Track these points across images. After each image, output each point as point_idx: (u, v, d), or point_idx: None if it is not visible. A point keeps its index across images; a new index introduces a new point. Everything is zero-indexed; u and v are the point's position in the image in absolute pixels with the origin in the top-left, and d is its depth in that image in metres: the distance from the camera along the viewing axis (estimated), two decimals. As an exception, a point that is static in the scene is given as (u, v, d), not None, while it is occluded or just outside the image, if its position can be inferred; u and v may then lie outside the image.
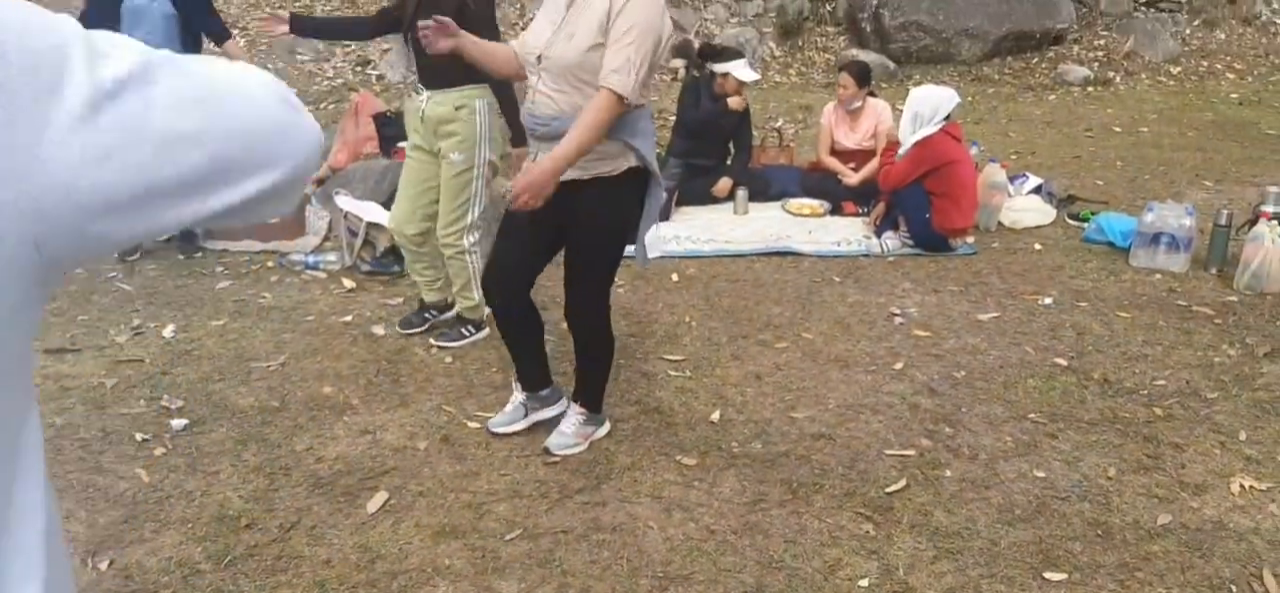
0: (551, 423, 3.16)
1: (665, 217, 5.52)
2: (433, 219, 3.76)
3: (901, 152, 5.12)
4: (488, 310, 3.81)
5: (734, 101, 5.74)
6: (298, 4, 8.85)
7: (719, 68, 5.75)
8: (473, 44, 2.82)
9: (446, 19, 2.75)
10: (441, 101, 3.58)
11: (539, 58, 2.69)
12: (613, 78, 2.54)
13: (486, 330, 3.90)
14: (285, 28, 3.79)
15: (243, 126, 0.64)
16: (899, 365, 3.69)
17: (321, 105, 7.17)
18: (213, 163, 0.63)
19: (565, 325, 3.08)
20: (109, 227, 0.60)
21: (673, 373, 3.64)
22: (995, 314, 4.20)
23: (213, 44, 4.69)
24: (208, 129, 0.62)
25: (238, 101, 0.65)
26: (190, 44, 4.52)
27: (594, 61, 2.58)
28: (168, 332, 3.99)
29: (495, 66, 2.90)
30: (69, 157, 0.57)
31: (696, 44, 8.53)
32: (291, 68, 7.78)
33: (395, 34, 3.88)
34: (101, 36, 0.61)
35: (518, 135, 3.53)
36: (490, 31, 3.42)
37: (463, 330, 3.90)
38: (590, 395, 3.10)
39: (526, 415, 3.18)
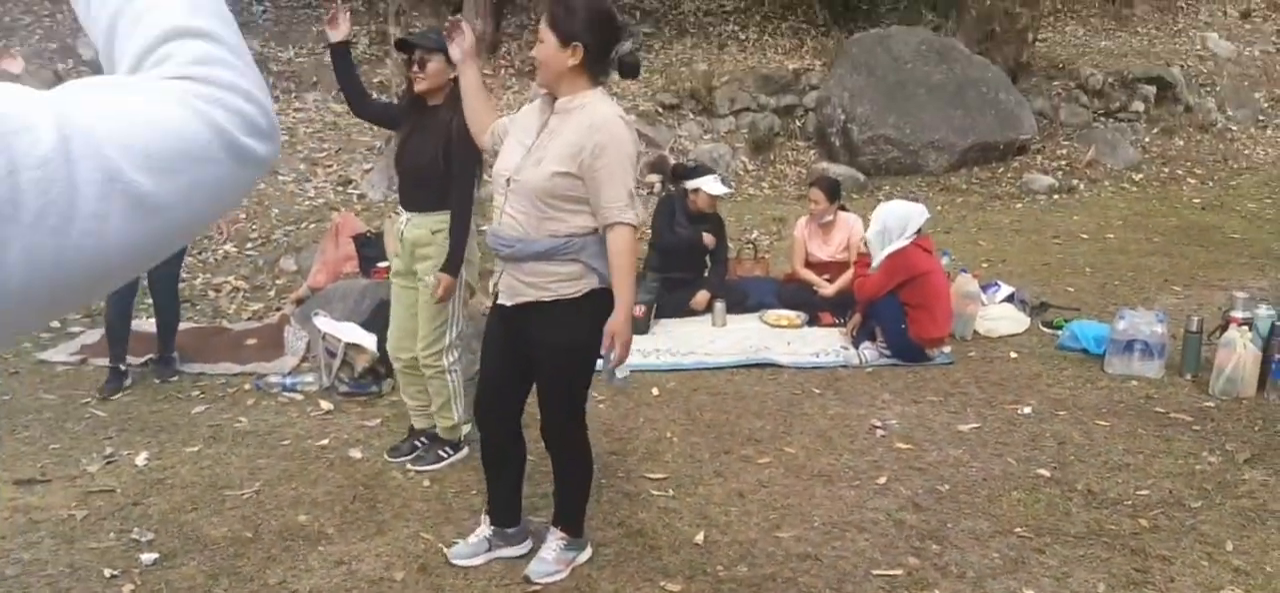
0: (532, 550, 3.10)
1: (644, 330, 5.54)
2: None
3: (873, 265, 5.20)
4: (466, 430, 3.78)
5: (702, 203, 5.83)
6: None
7: (690, 184, 5.89)
8: (476, 76, 2.96)
9: (467, 33, 2.85)
10: (419, 224, 3.62)
11: (508, 181, 2.74)
12: (623, 214, 2.63)
13: (465, 451, 3.85)
14: (340, 34, 3.72)
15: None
16: (882, 480, 3.67)
17: (302, 225, 7.21)
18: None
19: (541, 444, 3.05)
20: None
21: (655, 492, 3.59)
22: (976, 425, 4.21)
23: None
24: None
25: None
26: None
27: (561, 187, 2.64)
28: (140, 460, 3.91)
29: (477, 114, 2.99)
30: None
31: (671, 161, 8.71)
32: (272, 188, 7.83)
33: (387, 128, 3.91)
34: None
35: (452, 261, 3.54)
36: (468, 174, 3.50)
37: (440, 452, 3.85)
38: (571, 519, 3.06)
39: (490, 550, 3.11)
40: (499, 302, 2.85)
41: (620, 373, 2.73)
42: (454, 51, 2.91)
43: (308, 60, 10.09)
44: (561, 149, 2.64)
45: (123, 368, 4.72)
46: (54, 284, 0.62)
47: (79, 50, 9.54)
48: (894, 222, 5.16)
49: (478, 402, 3.05)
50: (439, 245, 3.59)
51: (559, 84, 2.70)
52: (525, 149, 2.74)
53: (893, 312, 5.05)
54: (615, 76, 2.89)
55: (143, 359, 4.92)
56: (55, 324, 5.60)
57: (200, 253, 6.79)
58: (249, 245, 6.95)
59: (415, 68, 3.59)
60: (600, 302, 2.72)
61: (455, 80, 3.34)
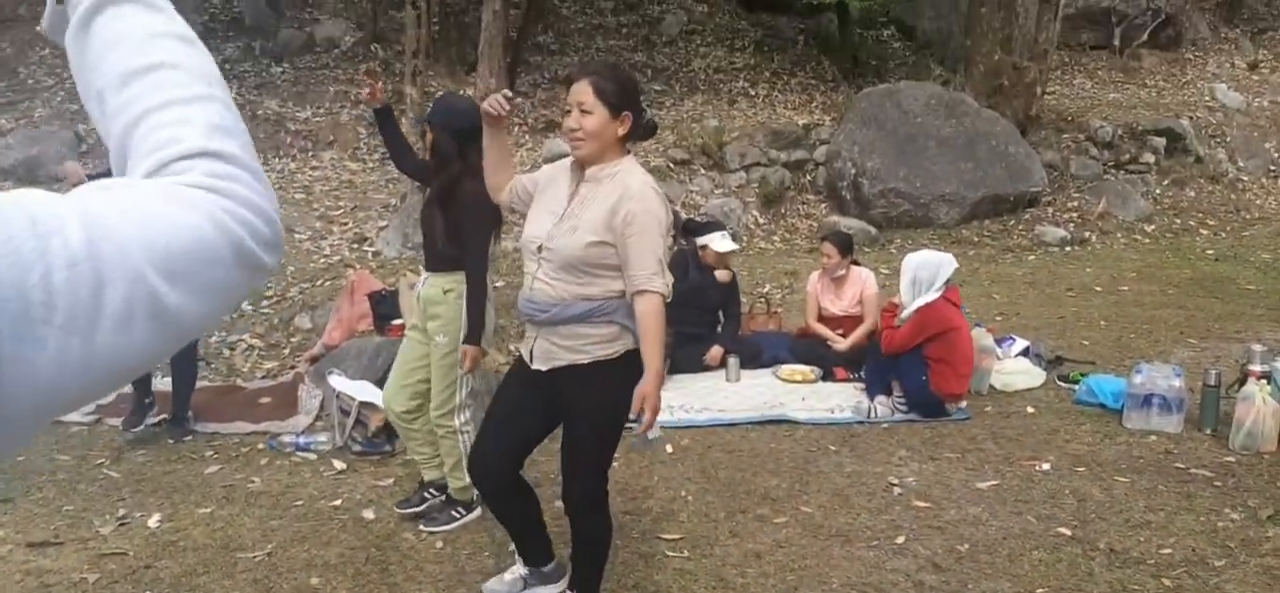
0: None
1: (658, 387, 5.52)
2: (422, 397, 3.77)
3: (903, 316, 5.16)
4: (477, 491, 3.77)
5: (721, 274, 5.84)
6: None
7: (699, 240, 5.92)
8: (500, 137, 3.00)
9: (508, 97, 2.89)
10: (433, 284, 3.65)
11: (539, 247, 2.75)
12: (652, 282, 2.64)
13: (478, 511, 3.83)
14: (379, 102, 3.88)
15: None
16: (901, 540, 3.62)
17: (318, 282, 7.25)
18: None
19: (561, 512, 3.03)
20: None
21: (670, 553, 3.56)
22: (994, 482, 4.16)
23: None
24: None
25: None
26: None
27: (594, 255, 2.67)
28: (153, 522, 3.90)
29: (496, 171, 3.01)
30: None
31: (681, 216, 8.76)
32: (288, 245, 7.90)
33: (424, 184, 4.02)
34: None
35: (473, 332, 3.56)
36: (481, 241, 3.57)
37: (453, 513, 3.84)
38: (587, 584, 3.03)
39: (525, 589, 3.13)
40: (533, 366, 2.84)
41: (652, 434, 2.74)
42: (487, 114, 2.90)
43: (324, 120, 10.23)
44: (596, 218, 2.67)
45: (149, 400, 4.77)
46: (82, 382, 0.64)
47: (99, 112, 9.70)
48: (925, 273, 5.12)
49: (478, 446, 3.04)
50: (450, 305, 3.60)
51: (604, 154, 2.74)
52: (556, 217, 2.76)
53: (915, 364, 5.02)
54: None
55: (157, 418, 4.93)
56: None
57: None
58: (264, 303, 6.99)
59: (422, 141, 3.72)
60: (635, 362, 2.73)
61: (443, 147, 3.53)
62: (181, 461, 4.60)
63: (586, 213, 2.69)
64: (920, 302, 5.06)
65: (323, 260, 7.79)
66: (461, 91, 10.85)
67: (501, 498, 3.03)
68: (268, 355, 6.27)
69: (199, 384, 5.16)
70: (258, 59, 11.25)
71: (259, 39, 11.56)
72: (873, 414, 5.01)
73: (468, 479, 3.76)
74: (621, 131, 2.70)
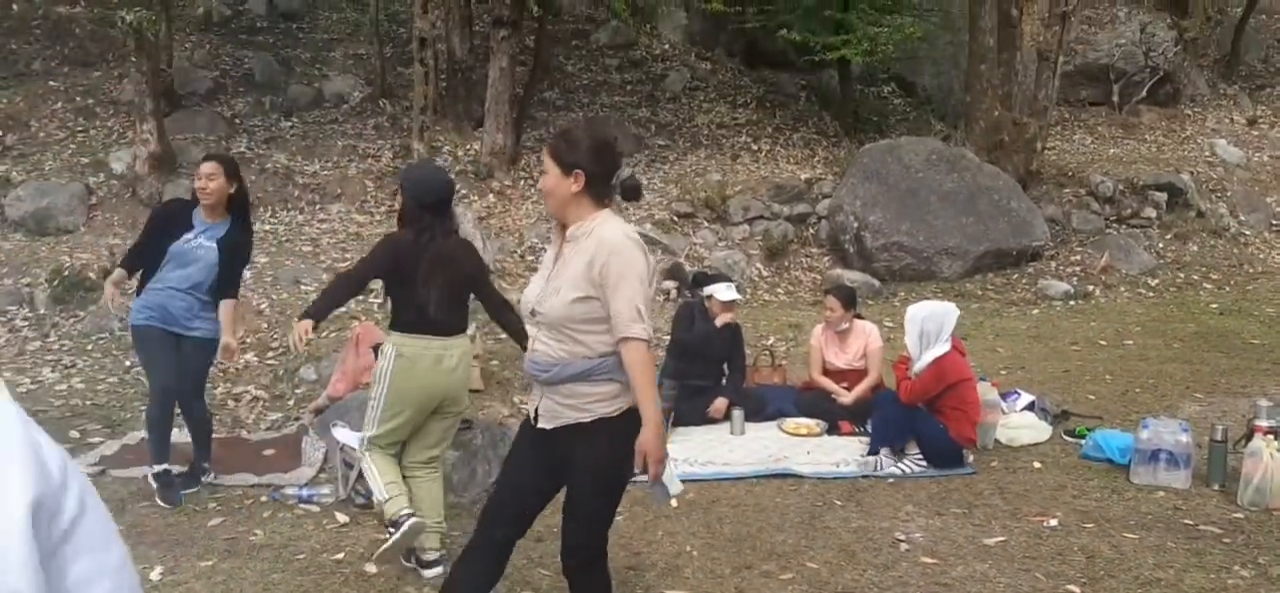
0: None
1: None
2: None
3: (917, 368, 5.16)
4: (392, 512, 3.74)
5: (724, 317, 5.86)
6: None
7: (705, 291, 5.97)
8: None
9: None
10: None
11: (532, 312, 2.83)
12: (632, 328, 2.65)
13: (407, 526, 3.73)
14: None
15: None
16: (908, 596, 3.59)
17: (322, 334, 7.27)
18: None
19: (559, 569, 3.00)
20: None
21: (676, 609, 3.53)
22: (1001, 538, 4.13)
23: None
24: None
25: None
26: (222, 288, 4.67)
27: (578, 312, 2.71)
28: (155, 575, 3.88)
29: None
30: None
31: (689, 269, 8.80)
32: (294, 297, 7.94)
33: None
34: None
35: (312, 308, 3.80)
36: (364, 275, 3.89)
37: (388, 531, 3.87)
38: None
39: None
40: (538, 425, 2.86)
41: (673, 488, 2.74)
42: None
43: (332, 173, 10.33)
44: (575, 275, 2.71)
45: (172, 472, 4.70)
46: None
47: (111, 164, 9.81)
48: (931, 325, 5.15)
49: (495, 504, 3.03)
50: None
51: (566, 211, 2.80)
52: (544, 279, 2.85)
53: (931, 416, 5.04)
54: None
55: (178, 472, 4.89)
56: (74, 434, 5.62)
57: (221, 362, 6.84)
58: (269, 354, 7.00)
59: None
60: (637, 418, 2.73)
61: (409, 212, 3.82)
62: (183, 512, 4.58)
63: (567, 271, 2.75)
64: (934, 352, 5.08)
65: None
66: (464, 148, 10.97)
67: (495, 549, 3.00)
68: (272, 407, 6.27)
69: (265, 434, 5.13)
70: (267, 114, 11.39)
71: (269, 94, 11.71)
72: (879, 467, 4.99)
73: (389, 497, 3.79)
74: (574, 189, 2.74)
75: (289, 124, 11.28)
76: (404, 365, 3.70)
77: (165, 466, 4.66)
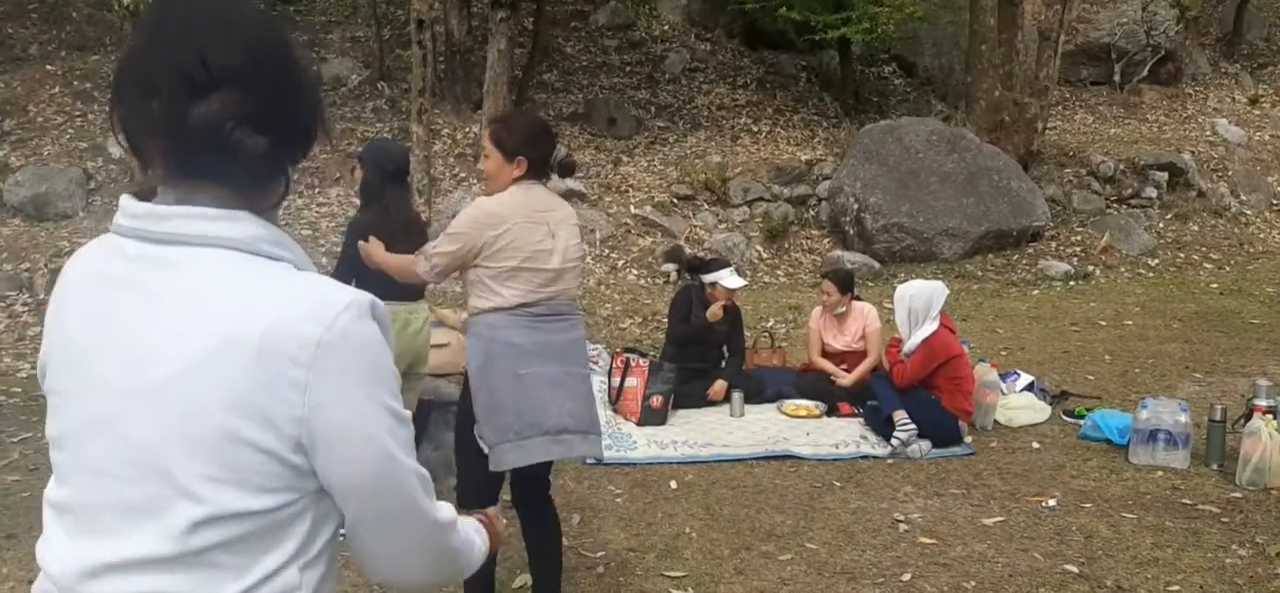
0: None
1: (661, 420, 5.53)
2: None
3: (907, 349, 5.17)
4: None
5: (712, 311, 5.80)
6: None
7: (707, 278, 5.93)
8: None
9: None
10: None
11: None
12: (429, 255, 2.97)
13: None
14: None
15: None
16: (907, 577, 3.60)
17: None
18: None
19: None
20: None
21: (675, 592, 3.54)
22: (1000, 518, 4.15)
23: None
24: None
25: None
26: None
27: (468, 275, 2.93)
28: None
29: None
30: None
31: (687, 252, 8.79)
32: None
33: None
34: None
35: None
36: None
37: None
38: None
39: None
40: None
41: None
42: None
43: (331, 157, 10.31)
44: None
45: None
46: None
47: (109, 149, 9.79)
48: (919, 303, 5.16)
49: (462, 486, 3.05)
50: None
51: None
52: None
53: (925, 394, 5.05)
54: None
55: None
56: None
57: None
58: (269, 339, 7.01)
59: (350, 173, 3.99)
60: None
61: (370, 184, 4.01)
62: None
63: None
64: (922, 332, 5.09)
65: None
66: (463, 130, 10.94)
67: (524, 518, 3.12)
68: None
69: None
70: (265, 97, 11.36)
71: (266, 77, 11.68)
72: (899, 449, 4.93)
73: None
74: (517, 173, 2.92)
75: (288, 107, 11.24)
76: None
77: None
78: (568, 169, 3.08)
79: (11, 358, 6.64)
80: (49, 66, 11.13)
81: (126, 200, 1.05)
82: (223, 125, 0.99)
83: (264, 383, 0.98)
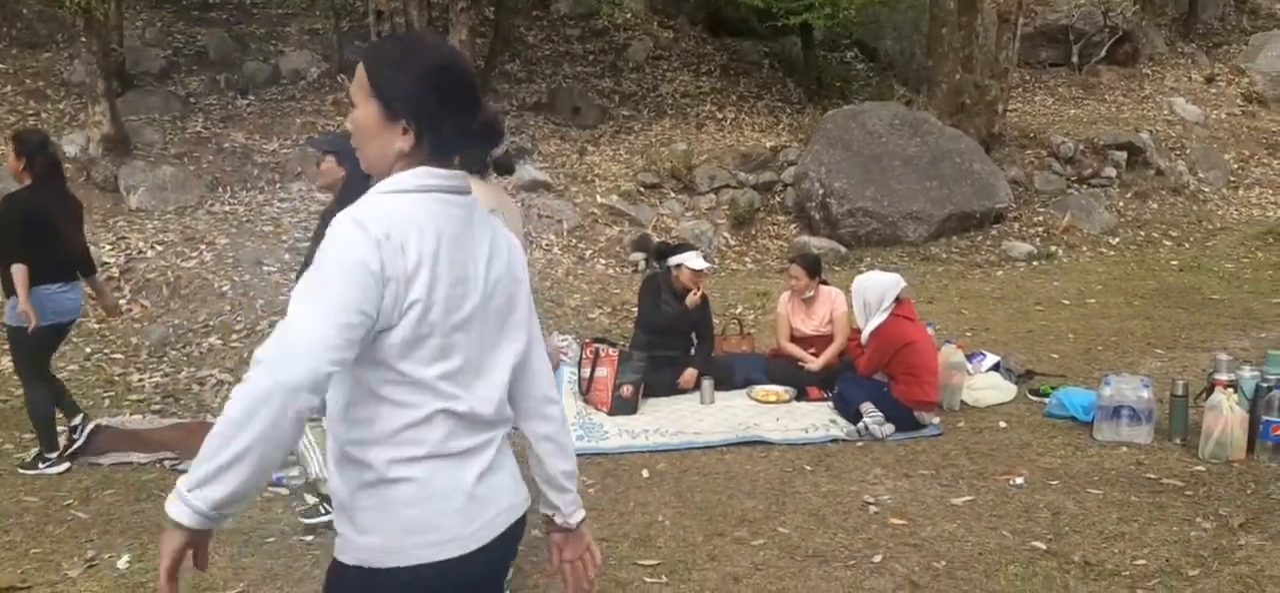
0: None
1: (632, 410, 5.52)
2: None
3: (863, 339, 5.25)
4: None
5: (692, 298, 5.83)
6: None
7: (672, 261, 5.93)
8: None
9: None
10: None
11: None
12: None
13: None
14: None
15: None
16: (878, 558, 3.63)
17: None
18: None
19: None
20: None
21: (649, 580, 3.54)
22: (969, 497, 4.19)
23: None
24: None
25: None
26: None
27: None
28: (122, 563, 3.82)
29: None
30: None
31: (654, 239, 8.78)
32: (257, 278, 7.82)
33: None
34: None
35: None
36: None
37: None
38: None
39: None
40: None
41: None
42: None
43: (291, 151, 10.16)
44: None
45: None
46: None
47: (64, 147, 9.56)
48: (872, 295, 5.22)
49: None
50: None
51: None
52: None
53: (880, 384, 5.09)
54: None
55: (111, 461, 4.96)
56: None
57: (184, 347, 6.75)
58: (234, 337, 6.91)
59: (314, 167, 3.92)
60: None
61: (346, 178, 3.83)
62: (150, 499, 4.52)
63: None
64: (873, 322, 5.15)
65: (291, 293, 7.71)
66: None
67: None
68: (237, 391, 6.18)
69: (169, 420, 5.10)
70: (223, 92, 11.16)
71: (224, 72, 11.48)
72: (866, 431, 4.98)
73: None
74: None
75: (246, 102, 11.06)
76: None
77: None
78: (505, 168, 3.12)
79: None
80: (0, 65, 10.86)
81: None
82: None
83: None
